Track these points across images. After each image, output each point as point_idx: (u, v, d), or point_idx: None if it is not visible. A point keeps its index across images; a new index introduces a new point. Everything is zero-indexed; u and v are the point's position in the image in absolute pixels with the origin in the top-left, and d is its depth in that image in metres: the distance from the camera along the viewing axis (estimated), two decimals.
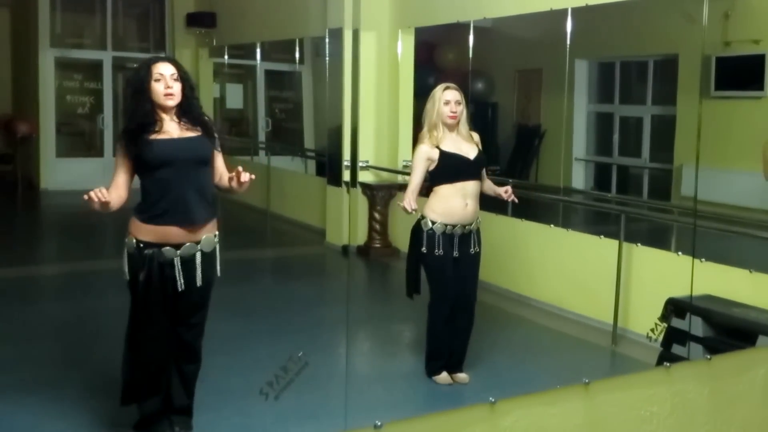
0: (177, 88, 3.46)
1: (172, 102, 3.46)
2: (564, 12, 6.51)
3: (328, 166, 8.80)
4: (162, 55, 12.74)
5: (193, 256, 3.50)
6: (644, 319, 5.24)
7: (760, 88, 7.32)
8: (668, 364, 3.07)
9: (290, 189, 10.15)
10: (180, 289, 3.48)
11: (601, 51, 9.48)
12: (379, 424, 2.19)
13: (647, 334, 5.10)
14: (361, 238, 8.33)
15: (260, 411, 4.13)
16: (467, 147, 4.54)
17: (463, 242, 4.52)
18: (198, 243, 3.51)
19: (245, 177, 3.45)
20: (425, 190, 4.65)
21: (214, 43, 12.48)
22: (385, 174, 8.34)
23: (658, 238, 6.28)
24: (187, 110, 3.52)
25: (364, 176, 8.33)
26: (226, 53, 12.64)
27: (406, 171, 4.65)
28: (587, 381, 2.68)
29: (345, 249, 8.34)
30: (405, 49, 8.34)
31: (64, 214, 10.43)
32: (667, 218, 6.88)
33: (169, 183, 3.41)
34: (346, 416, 3.42)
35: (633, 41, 8.89)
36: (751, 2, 7.26)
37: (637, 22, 8.14)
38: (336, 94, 8.44)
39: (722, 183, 7.01)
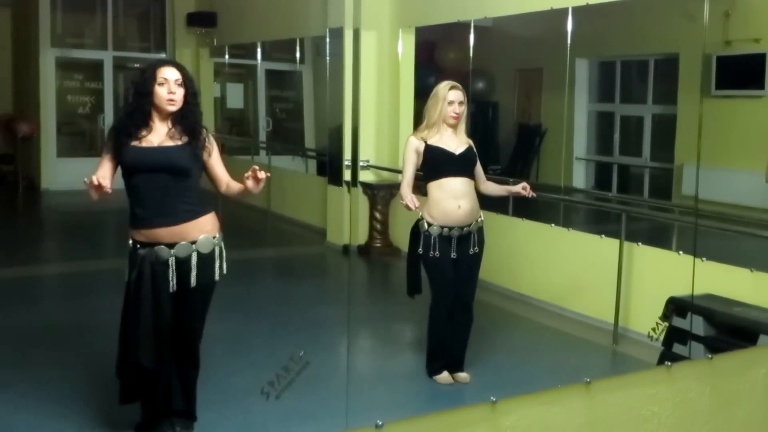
0: (180, 94, 3.49)
1: (174, 107, 3.48)
2: (564, 11, 6.51)
3: (329, 166, 8.80)
4: (164, 55, 12.82)
5: (189, 257, 3.50)
6: (645, 318, 5.23)
7: (761, 87, 7.31)
8: (669, 364, 3.08)
9: (291, 189, 10.15)
10: (172, 290, 3.48)
11: (601, 50, 9.47)
12: (380, 423, 2.19)
13: (648, 333, 5.10)
14: (361, 237, 8.33)
15: (261, 410, 4.13)
16: (456, 143, 4.51)
17: (461, 243, 4.50)
18: (194, 243, 3.51)
19: (263, 174, 3.44)
20: (421, 188, 4.64)
21: (215, 43, 12.47)
22: (385, 173, 8.34)
23: (659, 238, 6.28)
24: (185, 116, 3.54)
25: (365, 176, 8.33)
26: (226, 53, 12.63)
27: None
28: (588, 380, 2.68)
29: (346, 248, 8.34)
30: (405, 48, 8.34)
31: (65, 214, 10.44)
32: (668, 217, 6.87)
33: (139, 189, 3.46)
34: (347, 416, 3.41)
35: (634, 40, 8.89)
36: (751, 1, 7.25)
37: (637, 21, 8.13)
38: (336, 94, 8.44)
39: (723, 182, 7.00)
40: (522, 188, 4.59)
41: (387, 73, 8.39)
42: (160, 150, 3.47)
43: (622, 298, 5.52)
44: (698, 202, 5.92)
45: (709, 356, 3.22)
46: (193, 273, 3.51)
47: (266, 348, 5.15)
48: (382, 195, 8.15)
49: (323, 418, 4.06)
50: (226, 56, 12.69)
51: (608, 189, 9.56)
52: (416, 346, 5.11)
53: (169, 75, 3.47)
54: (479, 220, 4.57)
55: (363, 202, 8.28)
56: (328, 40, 8.66)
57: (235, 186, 3.66)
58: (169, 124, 3.53)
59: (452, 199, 4.45)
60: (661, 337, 4.89)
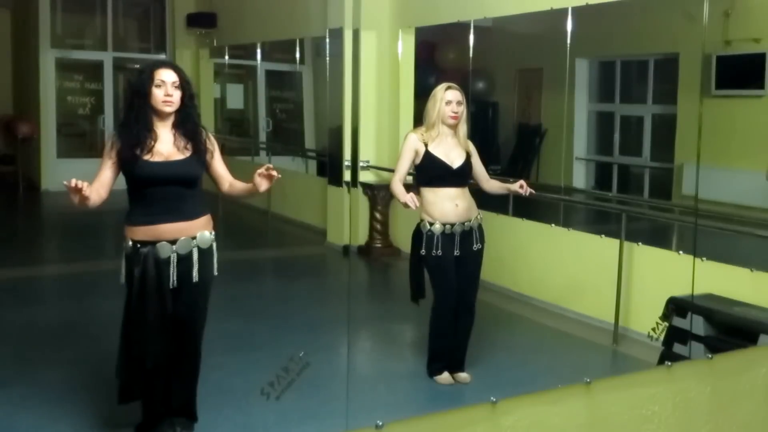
0: (177, 96, 3.50)
1: (170, 109, 3.50)
2: (564, 11, 6.51)
3: (329, 166, 8.80)
4: (163, 56, 12.83)
5: (190, 252, 3.52)
6: (645, 318, 5.23)
7: (761, 86, 7.32)
8: (670, 363, 3.08)
9: (291, 189, 10.14)
10: (173, 286, 3.50)
11: (601, 50, 9.48)
12: (380, 424, 2.19)
13: (648, 333, 5.10)
14: (362, 238, 8.33)
15: (262, 411, 4.13)
16: (455, 154, 4.51)
17: (464, 240, 4.52)
18: (194, 238, 3.53)
19: (276, 173, 3.47)
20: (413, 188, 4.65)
21: (215, 44, 12.48)
22: (385, 174, 8.33)
23: (659, 237, 6.28)
24: (185, 119, 3.55)
25: (365, 176, 8.33)
26: (226, 53, 12.64)
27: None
28: (589, 380, 2.68)
29: (346, 249, 8.33)
30: (405, 48, 8.34)
31: (66, 214, 10.42)
32: (668, 217, 6.87)
33: (148, 198, 3.49)
34: (347, 416, 3.42)
35: (633, 40, 8.89)
36: (751, 1, 7.26)
37: (637, 21, 8.13)
38: (336, 94, 8.44)
39: (723, 182, 7.01)
40: (519, 186, 4.58)
41: (387, 74, 8.39)
42: (172, 165, 3.49)
43: (622, 298, 5.52)
44: (698, 201, 5.92)
45: (710, 356, 3.22)
46: (195, 268, 3.53)
47: (266, 348, 5.15)
48: (382, 195, 8.14)
49: (323, 418, 4.06)
50: (226, 57, 12.70)
51: (608, 189, 9.56)
52: (416, 347, 5.11)
53: (166, 77, 3.48)
54: (478, 216, 4.59)
55: (363, 203, 8.28)
56: (327, 40, 8.66)
57: (239, 185, 3.68)
58: (172, 129, 3.54)
59: (448, 200, 4.49)
60: (662, 337, 4.89)
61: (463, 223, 4.50)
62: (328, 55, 8.76)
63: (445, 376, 4.61)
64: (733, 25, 7.37)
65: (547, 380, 4.56)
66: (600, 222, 7.12)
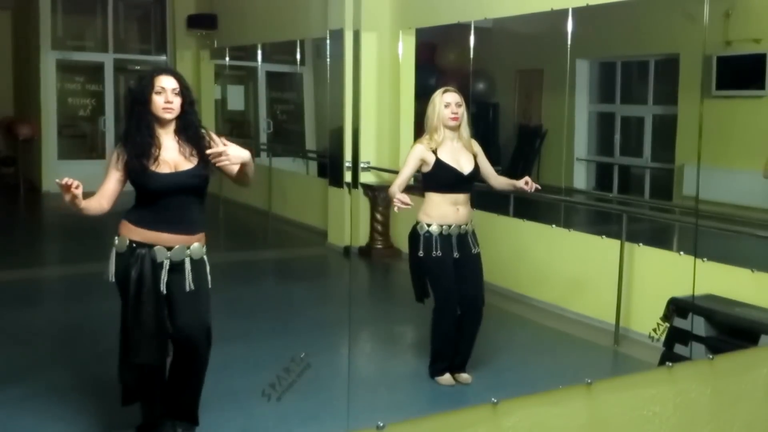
0: (177, 102, 3.51)
1: (170, 115, 3.51)
2: (565, 12, 6.51)
3: (330, 167, 8.80)
4: (164, 58, 12.83)
5: (183, 261, 3.54)
6: (646, 318, 5.23)
7: (761, 87, 7.31)
8: (670, 364, 3.08)
9: (292, 190, 10.15)
10: (164, 292, 3.50)
11: (602, 51, 9.47)
12: (381, 425, 2.19)
13: (649, 333, 5.10)
14: (362, 239, 8.33)
15: (262, 412, 4.13)
16: (465, 159, 4.53)
17: (462, 243, 4.53)
18: (188, 248, 3.55)
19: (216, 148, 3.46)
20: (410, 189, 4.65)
21: (215, 45, 12.48)
22: (386, 175, 8.33)
23: (660, 238, 6.28)
24: (187, 125, 3.56)
25: (366, 177, 8.33)
26: (227, 55, 12.64)
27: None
28: (590, 381, 2.68)
29: (347, 250, 8.34)
30: (406, 49, 8.34)
31: (66, 216, 10.38)
32: (669, 218, 6.88)
33: (162, 206, 3.50)
34: (348, 417, 3.41)
35: (634, 41, 8.88)
36: (752, 1, 7.25)
37: (638, 21, 8.13)
38: (337, 95, 8.45)
39: (724, 182, 7.00)
40: (524, 183, 4.59)
41: (387, 75, 8.39)
42: (181, 175, 3.51)
43: (623, 299, 5.51)
44: (699, 202, 5.92)
45: (710, 357, 3.22)
46: (189, 277, 3.54)
47: (267, 349, 5.15)
48: (383, 196, 8.14)
49: (324, 419, 4.07)
50: (227, 58, 12.70)
51: (609, 190, 9.56)
52: (417, 348, 5.11)
53: (166, 84, 3.49)
54: (472, 221, 4.61)
55: (364, 204, 8.28)
56: (328, 41, 8.66)
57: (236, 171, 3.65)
58: (174, 136, 3.55)
59: (452, 205, 4.51)
60: (662, 338, 4.89)
61: (460, 226, 4.51)
62: (328, 56, 8.76)
63: (446, 377, 4.61)
64: (733, 26, 7.36)
65: (548, 381, 4.55)
66: (601, 223, 7.12)
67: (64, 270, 7.76)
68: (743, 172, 7.11)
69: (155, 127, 3.52)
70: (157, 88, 3.48)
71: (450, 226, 4.49)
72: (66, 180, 3.25)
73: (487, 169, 4.71)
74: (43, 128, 12.18)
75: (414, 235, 4.57)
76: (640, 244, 5.58)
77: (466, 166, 4.52)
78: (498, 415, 2.49)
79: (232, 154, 3.47)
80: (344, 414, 3.54)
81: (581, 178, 9.83)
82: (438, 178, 4.52)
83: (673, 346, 4.77)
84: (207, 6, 12.42)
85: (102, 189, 3.49)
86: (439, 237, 4.47)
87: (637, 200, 8.41)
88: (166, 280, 3.50)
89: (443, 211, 4.49)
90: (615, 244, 5.59)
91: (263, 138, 12.37)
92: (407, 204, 4.30)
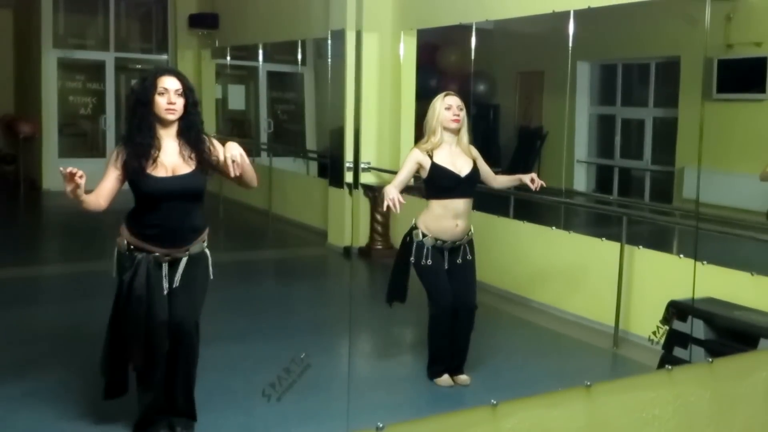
0: (180, 103, 3.51)
1: (173, 117, 3.51)
2: (566, 14, 6.52)
3: (330, 168, 8.80)
4: (165, 57, 12.83)
5: (180, 259, 3.57)
6: (646, 321, 5.24)
7: (762, 90, 7.31)
8: (670, 367, 3.08)
9: (292, 190, 10.15)
10: (165, 292, 3.52)
11: (603, 53, 9.48)
12: (381, 426, 2.20)
13: (649, 336, 5.10)
14: (362, 239, 8.34)
15: (262, 412, 4.13)
16: (462, 162, 4.52)
17: (452, 255, 4.55)
18: (187, 249, 3.59)
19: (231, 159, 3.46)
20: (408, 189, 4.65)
21: (217, 44, 12.49)
22: (386, 176, 8.33)
23: (659, 241, 6.28)
24: (189, 127, 3.56)
25: (366, 178, 8.33)
26: (228, 54, 12.65)
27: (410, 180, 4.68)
28: (589, 383, 2.68)
29: (347, 250, 8.34)
30: (407, 50, 8.34)
31: (67, 214, 10.40)
32: (669, 221, 6.87)
33: (159, 212, 3.51)
34: (348, 418, 3.41)
35: (635, 43, 8.89)
36: (753, 4, 7.26)
37: (639, 24, 8.13)
38: (338, 96, 8.45)
39: (724, 185, 7.01)
40: (530, 180, 4.59)
41: (388, 75, 8.40)
42: (177, 180, 3.51)
43: (622, 302, 5.52)
44: (699, 205, 5.92)
45: (710, 360, 3.22)
46: (181, 270, 3.56)
47: (267, 349, 5.15)
48: (383, 197, 8.14)
49: (324, 420, 4.07)
50: (228, 58, 12.71)
51: (609, 192, 9.56)
52: (417, 349, 5.12)
53: (169, 85, 3.49)
54: (470, 233, 4.61)
55: (364, 204, 8.28)
56: (329, 42, 8.67)
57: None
58: (176, 138, 3.55)
59: (452, 218, 4.49)
60: (662, 341, 4.89)
61: (455, 242, 4.53)
62: (329, 56, 8.77)
63: (445, 379, 4.62)
64: (734, 29, 7.37)
65: (548, 383, 4.55)
66: (601, 225, 7.12)
67: (64, 268, 7.77)
68: (743, 176, 7.11)
69: (157, 128, 3.52)
70: (159, 89, 3.48)
71: (444, 242, 4.51)
72: (70, 168, 3.25)
73: (487, 172, 4.70)
74: (43, 126, 12.20)
75: (407, 240, 4.58)
76: (640, 247, 5.59)
77: (463, 169, 4.51)
78: (497, 416, 2.49)
79: (238, 154, 3.47)
80: (344, 414, 3.54)
81: (581, 180, 9.83)
82: (436, 182, 4.51)
83: (673, 349, 4.77)
84: (208, 5, 12.43)
85: (100, 187, 3.50)
86: (431, 248, 4.49)
87: (637, 203, 8.41)
88: (167, 275, 3.53)
89: (443, 226, 4.48)
90: (615, 246, 5.59)
91: (264, 138, 12.38)
92: (399, 203, 4.24)
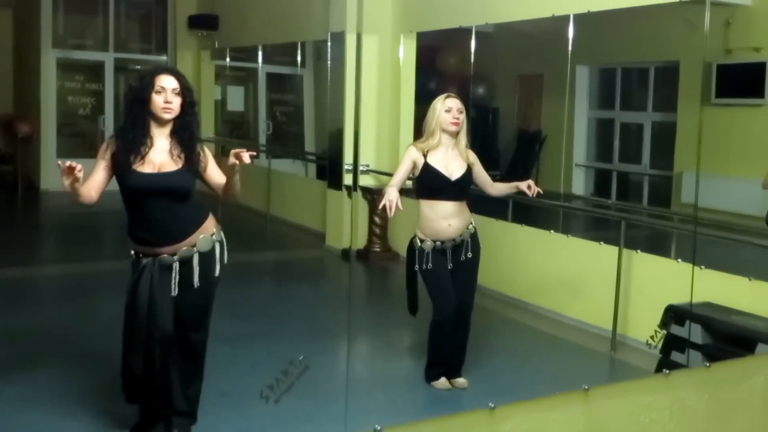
0: (176, 103, 3.49)
1: (169, 116, 3.50)
2: (566, 18, 6.53)
3: (329, 170, 8.81)
4: (164, 58, 12.83)
5: (191, 258, 3.53)
6: (643, 325, 5.24)
7: (761, 95, 7.33)
8: (667, 371, 3.08)
9: (290, 192, 10.15)
10: (173, 294, 3.51)
11: (602, 57, 9.50)
12: (378, 428, 2.19)
13: (647, 340, 5.11)
14: (360, 242, 8.34)
15: (260, 414, 4.13)
16: (455, 165, 4.50)
17: (457, 252, 4.53)
18: (194, 246, 3.55)
19: (246, 157, 3.36)
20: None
21: (216, 46, 12.49)
22: (385, 178, 8.33)
23: (657, 245, 6.29)
24: (183, 127, 3.54)
25: (365, 180, 8.33)
26: (227, 56, 12.65)
27: (407, 178, 4.68)
28: (586, 387, 2.68)
29: (345, 252, 8.34)
30: (407, 53, 8.35)
31: (65, 215, 10.43)
32: (667, 225, 6.88)
33: (141, 211, 3.49)
34: (345, 420, 3.42)
35: (634, 48, 8.91)
36: (752, 10, 7.28)
37: (638, 29, 8.16)
38: (337, 98, 8.45)
39: (722, 190, 7.02)
40: (527, 186, 4.57)
41: (388, 78, 8.41)
42: (161, 176, 3.49)
43: (620, 306, 5.52)
44: (697, 210, 5.93)
45: (707, 364, 3.22)
46: (196, 272, 3.54)
47: (265, 351, 5.15)
48: (383, 197, 8.14)
49: (322, 422, 4.07)
50: (227, 59, 12.71)
51: (607, 196, 9.58)
52: (415, 351, 5.12)
53: (167, 83, 3.48)
54: (470, 227, 4.58)
55: (362, 207, 8.28)
56: (329, 44, 8.68)
57: (224, 183, 3.59)
58: (169, 137, 3.54)
59: (443, 219, 4.47)
60: (660, 345, 4.90)
61: (454, 240, 4.51)
62: (329, 58, 8.78)
63: (442, 382, 4.62)
64: (733, 34, 7.39)
65: (545, 386, 4.56)
66: (599, 229, 7.13)
67: (62, 268, 7.76)
68: (742, 181, 7.13)
69: (152, 126, 3.51)
70: (157, 88, 3.47)
71: (444, 242, 4.49)
72: (69, 162, 3.25)
73: (483, 178, 4.69)
74: (42, 126, 12.20)
75: (410, 249, 4.59)
76: (638, 251, 5.59)
77: (455, 172, 4.49)
78: (495, 420, 2.49)
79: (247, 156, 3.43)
80: (342, 417, 3.55)
81: (580, 184, 9.85)
82: (425, 182, 4.52)
83: (670, 354, 4.77)
84: (208, 6, 12.43)
85: (90, 179, 3.49)
86: (432, 252, 4.49)
87: (635, 207, 8.43)
88: (177, 280, 3.51)
89: (435, 227, 4.47)
90: (613, 250, 5.60)
91: (262, 139, 12.38)
92: (396, 207, 4.22)
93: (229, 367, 4.74)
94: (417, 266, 4.50)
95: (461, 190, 4.53)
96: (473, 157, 4.60)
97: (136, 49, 13.35)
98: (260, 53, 12.03)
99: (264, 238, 9.64)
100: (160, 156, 3.51)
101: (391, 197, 4.23)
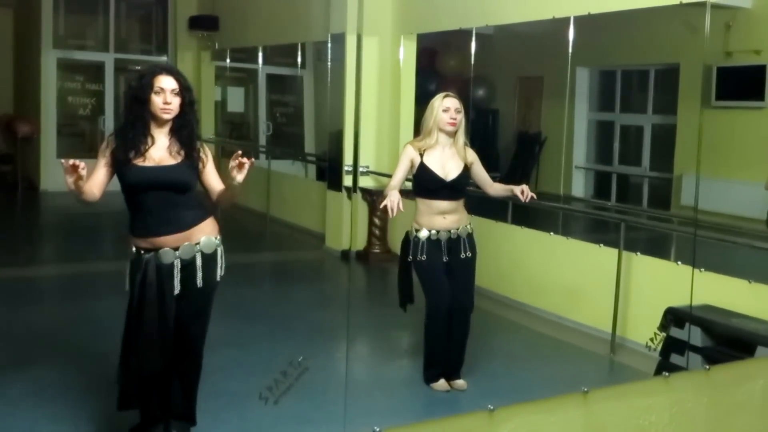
0: (176, 103, 3.49)
1: (168, 116, 3.49)
2: (566, 20, 6.53)
3: (329, 171, 8.81)
4: (165, 59, 12.83)
5: (193, 258, 3.52)
6: (643, 328, 5.24)
7: (761, 98, 7.33)
8: (667, 374, 3.08)
9: (290, 193, 10.15)
10: (176, 292, 3.49)
11: (602, 59, 9.50)
12: (377, 430, 2.19)
13: (646, 343, 5.10)
14: (360, 243, 8.33)
15: (259, 415, 4.13)
16: (452, 165, 4.51)
17: (452, 248, 4.53)
18: (197, 244, 3.53)
19: (246, 161, 3.35)
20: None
21: (216, 47, 12.49)
22: (385, 179, 8.32)
23: (657, 248, 6.28)
24: (183, 126, 3.54)
25: (365, 181, 8.34)
26: (228, 56, 12.65)
27: (407, 177, 4.69)
28: (586, 389, 2.68)
29: (344, 254, 8.33)
30: (407, 54, 8.35)
31: (65, 215, 10.43)
32: (667, 227, 6.88)
33: (143, 205, 3.48)
34: (344, 422, 3.42)
35: (634, 50, 8.92)
36: (752, 13, 7.28)
37: (638, 31, 8.16)
38: (337, 99, 8.46)
39: (722, 193, 7.02)
40: (520, 192, 4.56)
41: (388, 79, 8.41)
42: (162, 169, 3.48)
43: (620, 308, 5.52)
44: (697, 212, 5.93)
45: (707, 367, 3.22)
46: (199, 274, 3.52)
47: (264, 353, 5.14)
48: (381, 201, 8.14)
49: (321, 423, 4.06)
50: (228, 60, 12.71)
51: (607, 198, 9.58)
52: (414, 353, 5.11)
53: (166, 84, 3.47)
54: (467, 226, 4.59)
55: (362, 208, 8.28)
56: (329, 45, 8.68)
57: (223, 191, 3.59)
58: (168, 134, 3.54)
59: (438, 214, 4.51)
60: (659, 347, 4.89)
61: (449, 231, 4.51)
62: (329, 59, 8.78)
63: (441, 383, 4.61)
64: (734, 37, 7.39)
65: (544, 389, 4.56)
66: (598, 231, 7.13)
67: (61, 268, 7.76)
68: (742, 183, 7.13)
69: (151, 125, 3.51)
70: (156, 88, 3.46)
71: (438, 232, 4.50)
72: (73, 161, 3.24)
73: (483, 178, 4.70)
74: (42, 126, 12.20)
75: (405, 241, 4.60)
76: (638, 253, 5.59)
77: (450, 173, 4.49)
78: (494, 422, 2.48)
79: (243, 174, 3.42)
80: (340, 418, 3.54)
81: (580, 185, 9.85)
82: (420, 182, 4.54)
83: (670, 356, 4.77)
84: (209, 7, 12.43)
85: (92, 177, 3.48)
86: (427, 241, 4.48)
87: (635, 209, 8.42)
88: (180, 277, 3.49)
89: (430, 219, 4.51)
90: (613, 252, 5.60)
91: (262, 140, 12.38)
92: (397, 207, 4.23)
93: (228, 369, 4.73)
94: (411, 257, 4.49)
95: (457, 190, 4.54)
96: (472, 156, 4.60)
97: (137, 50, 13.36)
98: (260, 54, 12.03)
99: (263, 239, 9.65)
100: (160, 152, 3.51)
101: (393, 199, 4.25)
